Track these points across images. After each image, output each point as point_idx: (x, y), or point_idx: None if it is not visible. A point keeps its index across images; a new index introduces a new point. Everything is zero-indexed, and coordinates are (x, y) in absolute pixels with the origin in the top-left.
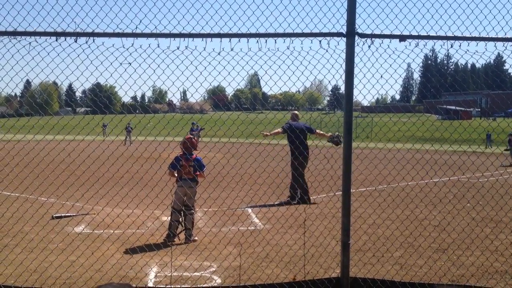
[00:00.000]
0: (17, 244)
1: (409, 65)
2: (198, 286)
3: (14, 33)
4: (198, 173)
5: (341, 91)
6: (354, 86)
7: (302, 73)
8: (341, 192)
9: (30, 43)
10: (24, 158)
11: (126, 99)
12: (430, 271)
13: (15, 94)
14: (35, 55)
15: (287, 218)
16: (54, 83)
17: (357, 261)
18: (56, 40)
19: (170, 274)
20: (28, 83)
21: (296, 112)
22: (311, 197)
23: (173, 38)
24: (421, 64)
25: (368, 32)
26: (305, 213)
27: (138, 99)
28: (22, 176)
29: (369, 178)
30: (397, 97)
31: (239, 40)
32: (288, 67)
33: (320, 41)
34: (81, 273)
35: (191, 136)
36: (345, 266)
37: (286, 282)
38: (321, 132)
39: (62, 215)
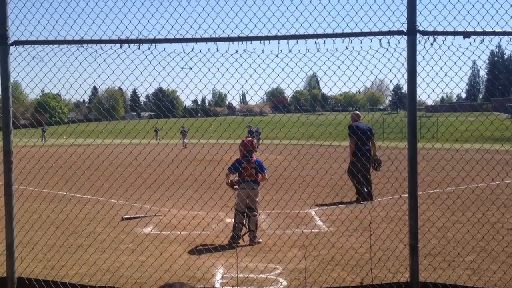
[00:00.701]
0: (90, 244)
1: (474, 62)
2: None
3: (81, 42)
4: (259, 175)
5: (403, 91)
6: (417, 85)
7: (362, 73)
8: (407, 194)
9: (96, 50)
10: (94, 162)
11: (188, 103)
12: (505, 276)
13: (84, 100)
14: (101, 62)
15: (351, 221)
16: (120, 88)
17: (426, 265)
18: (121, 47)
19: (236, 276)
20: (95, 89)
21: (357, 112)
22: (374, 198)
23: (231, 42)
24: (487, 61)
25: (430, 29)
26: (370, 216)
27: (199, 102)
28: (93, 178)
29: (436, 179)
30: (463, 95)
31: (297, 41)
32: (348, 67)
33: (380, 40)
34: (151, 273)
35: (251, 139)
36: (414, 271)
37: (353, 286)
38: (374, 143)
39: (131, 216)
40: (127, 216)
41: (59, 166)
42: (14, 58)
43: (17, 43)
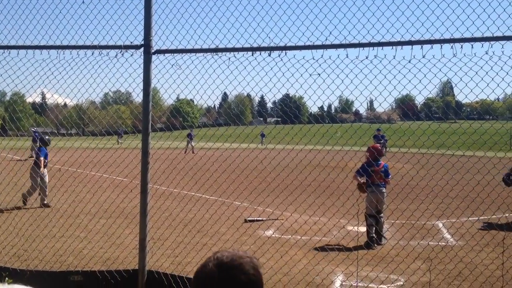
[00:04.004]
0: (215, 243)
1: None
2: None
3: (216, 50)
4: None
5: None
6: None
7: (503, 79)
8: None
9: (229, 58)
10: (222, 165)
11: (314, 109)
12: None
13: (214, 106)
14: (233, 69)
15: (483, 235)
16: (248, 95)
17: None
18: (252, 55)
19: (355, 284)
20: (225, 95)
21: None
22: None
23: (362, 48)
24: None
25: None
26: (504, 231)
27: (325, 108)
28: (220, 181)
29: None
30: None
31: (432, 46)
32: (487, 73)
33: None
34: (271, 275)
35: (378, 145)
36: None
37: None
38: None
39: (254, 219)
40: (250, 219)
41: (190, 167)
42: (155, 66)
43: (159, 52)
